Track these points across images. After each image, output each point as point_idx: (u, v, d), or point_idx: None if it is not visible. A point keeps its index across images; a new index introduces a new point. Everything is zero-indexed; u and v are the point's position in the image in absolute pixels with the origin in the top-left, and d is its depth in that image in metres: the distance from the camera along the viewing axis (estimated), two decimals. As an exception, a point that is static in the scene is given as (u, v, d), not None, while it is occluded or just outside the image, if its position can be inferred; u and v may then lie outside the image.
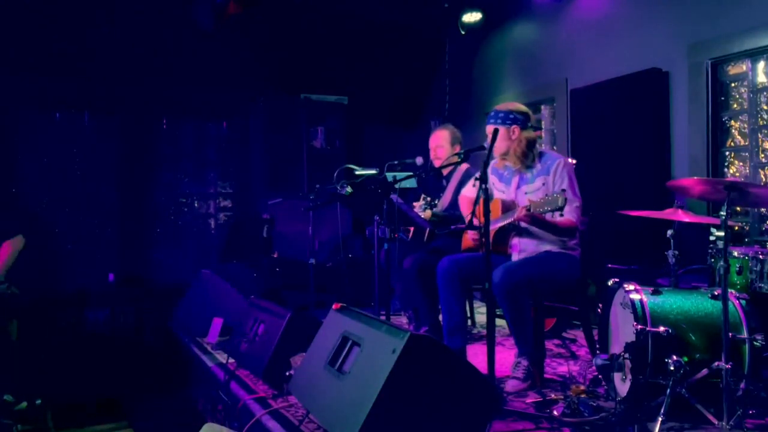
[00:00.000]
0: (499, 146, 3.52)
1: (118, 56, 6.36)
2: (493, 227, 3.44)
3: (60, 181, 6.67)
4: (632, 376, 2.77)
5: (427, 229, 4.26)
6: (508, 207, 3.54)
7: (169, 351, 5.17)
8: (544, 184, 3.45)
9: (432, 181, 4.69)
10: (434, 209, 4.41)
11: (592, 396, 3.02)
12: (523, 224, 3.42)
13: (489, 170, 3.67)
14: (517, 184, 3.58)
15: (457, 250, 3.92)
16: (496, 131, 3.17)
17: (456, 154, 4.32)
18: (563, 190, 3.00)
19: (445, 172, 4.58)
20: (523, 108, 3.59)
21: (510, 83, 6.65)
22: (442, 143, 4.55)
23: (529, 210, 3.13)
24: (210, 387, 3.89)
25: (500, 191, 3.69)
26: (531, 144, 3.52)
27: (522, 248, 3.53)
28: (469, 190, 3.95)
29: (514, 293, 3.23)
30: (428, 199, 4.48)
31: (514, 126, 3.49)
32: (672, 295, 2.93)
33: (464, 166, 4.47)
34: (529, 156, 3.52)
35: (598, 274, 4.35)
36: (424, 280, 3.92)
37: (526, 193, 3.51)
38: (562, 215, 3.08)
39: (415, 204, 4.51)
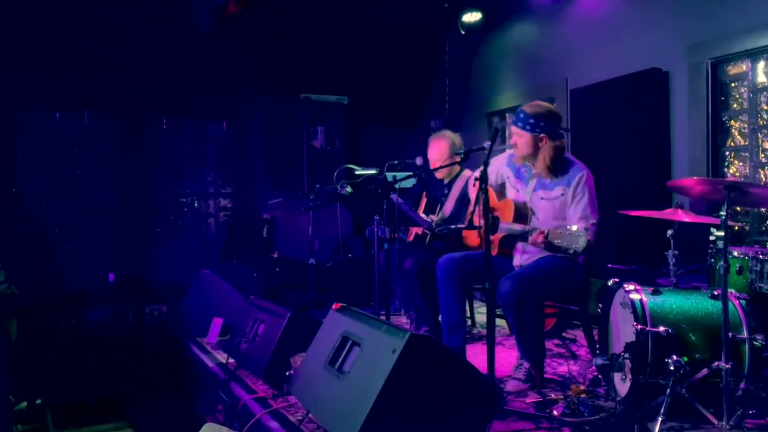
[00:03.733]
0: (523, 151, 3.41)
1: (118, 56, 6.37)
2: (502, 231, 3.40)
3: (60, 181, 6.67)
4: (632, 376, 2.77)
5: (429, 230, 4.25)
6: (520, 211, 3.45)
7: (169, 351, 5.17)
8: (563, 194, 3.35)
9: (435, 187, 4.65)
10: (437, 226, 4.32)
11: (592, 396, 3.02)
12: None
13: (505, 163, 3.65)
14: (534, 187, 3.47)
15: (458, 251, 3.91)
16: (496, 131, 3.16)
17: (456, 153, 4.30)
18: (586, 229, 2.87)
19: (446, 180, 4.51)
20: (553, 111, 3.42)
21: (510, 83, 6.65)
22: (439, 158, 4.40)
23: (546, 237, 3.03)
24: (210, 387, 3.89)
25: (514, 188, 3.59)
26: (559, 153, 3.37)
27: (525, 250, 3.49)
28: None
29: (522, 304, 3.20)
30: (432, 217, 4.40)
31: (543, 135, 3.34)
32: (672, 295, 2.93)
33: (467, 173, 4.43)
34: (557, 165, 3.37)
35: (599, 274, 4.34)
36: (425, 281, 3.91)
37: (541, 198, 3.42)
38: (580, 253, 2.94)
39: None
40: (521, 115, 3.40)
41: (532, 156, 3.43)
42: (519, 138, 3.42)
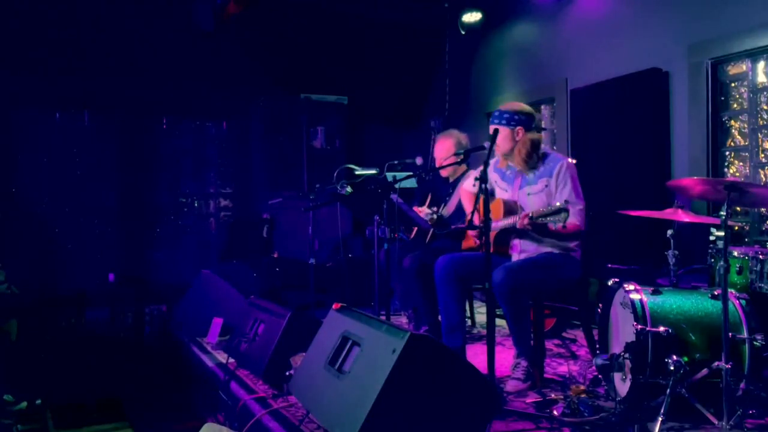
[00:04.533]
0: (503, 147, 3.51)
1: (118, 56, 6.37)
2: (494, 229, 3.43)
3: (60, 181, 6.67)
4: (632, 376, 2.77)
5: (430, 230, 4.25)
6: (509, 208, 3.53)
7: (169, 351, 5.17)
8: (546, 185, 3.43)
9: (440, 187, 4.66)
10: (440, 215, 4.36)
11: (592, 396, 3.02)
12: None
13: (491, 169, 3.70)
14: (520, 184, 3.56)
15: (457, 250, 3.91)
16: (496, 131, 3.18)
17: (456, 153, 4.30)
18: (566, 202, 2.98)
19: (451, 179, 4.53)
20: (527, 108, 3.55)
21: (510, 83, 6.65)
22: (445, 156, 4.43)
23: (531, 218, 3.12)
24: (210, 387, 3.89)
25: (502, 190, 3.67)
26: (535, 145, 3.48)
27: (522, 249, 3.52)
28: (469, 184, 3.93)
29: (515, 294, 3.22)
30: (434, 208, 4.44)
31: (518, 127, 3.46)
32: (672, 295, 2.93)
33: (472, 173, 4.43)
34: (533, 158, 3.48)
35: (598, 274, 4.34)
36: (424, 280, 3.91)
37: (528, 194, 3.50)
38: (564, 227, 3.07)
39: (420, 209, 4.46)
40: (496, 113, 3.52)
41: (512, 151, 3.51)
42: (498, 135, 3.47)
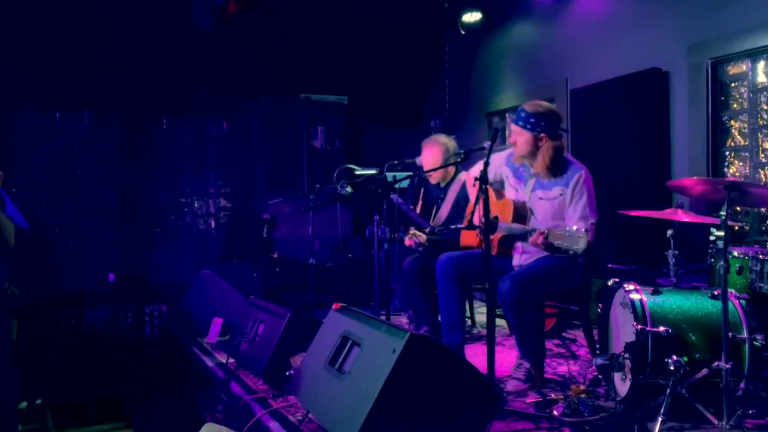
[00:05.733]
0: (522, 150, 3.40)
1: (118, 56, 6.37)
2: (501, 230, 3.38)
3: (60, 181, 6.67)
4: (632, 376, 2.77)
5: (427, 230, 4.25)
6: (519, 211, 3.44)
7: (169, 351, 5.17)
8: (561, 194, 3.34)
9: (432, 187, 4.64)
10: (430, 229, 4.30)
11: (592, 396, 3.02)
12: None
13: (504, 162, 3.64)
14: (533, 186, 3.47)
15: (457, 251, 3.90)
16: (496, 131, 3.16)
17: (456, 153, 4.29)
18: (586, 231, 2.82)
19: (442, 183, 4.49)
20: (553, 110, 3.40)
21: (510, 83, 6.64)
22: (432, 164, 4.35)
23: (546, 238, 3.00)
24: (210, 387, 3.89)
25: (513, 188, 3.58)
26: (559, 152, 3.36)
27: (524, 250, 3.48)
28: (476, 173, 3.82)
29: (521, 304, 3.20)
30: (426, 229, 4.39)
31: (543, 134, 3.32)
32: (672, 295, 2.93)
33: (463, 176, 4.40)
34: (556, 166, 3.36)
35: (599, 274, 4.34)
36: (424, 281, 3.91)
37: (540, 198, 3.41)
38: (578, 253, 2.88)
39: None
40: (522, 114, 3.38)
41: (531, 155, 3.41)
42: (518, 137, 3.40)
